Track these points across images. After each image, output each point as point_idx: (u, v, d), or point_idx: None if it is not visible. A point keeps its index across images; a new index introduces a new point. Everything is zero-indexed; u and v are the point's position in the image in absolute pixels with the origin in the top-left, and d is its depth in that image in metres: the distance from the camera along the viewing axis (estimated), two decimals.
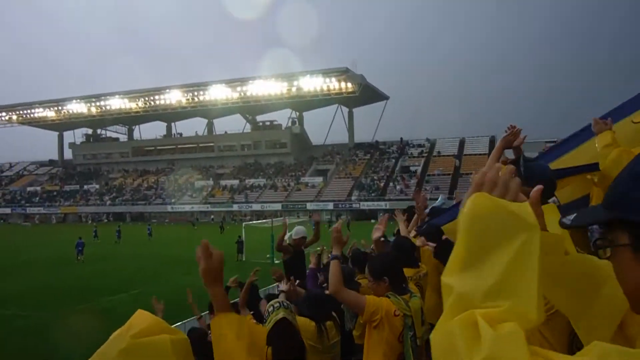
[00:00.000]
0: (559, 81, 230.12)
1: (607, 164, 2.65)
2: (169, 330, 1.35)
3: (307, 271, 5.19)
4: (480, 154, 62.93)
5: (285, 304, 3.73)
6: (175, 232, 48.42)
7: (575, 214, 0.95)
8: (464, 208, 0.91)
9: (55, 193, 78.71)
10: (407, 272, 4.53)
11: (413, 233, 5.61)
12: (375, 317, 3.35)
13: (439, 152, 67.81)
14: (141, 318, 1.35)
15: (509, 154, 3.46)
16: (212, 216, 64.81)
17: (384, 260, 3.79)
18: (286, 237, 7.56)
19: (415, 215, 6.34)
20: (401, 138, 73.55)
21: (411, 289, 3.89)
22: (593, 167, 2.98)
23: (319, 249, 7.83)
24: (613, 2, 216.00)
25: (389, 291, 3.55)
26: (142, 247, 34.05)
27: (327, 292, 4.60)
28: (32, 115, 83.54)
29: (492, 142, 64.98)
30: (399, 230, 6.30)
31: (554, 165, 3.61)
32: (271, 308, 3.47)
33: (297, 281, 5.37)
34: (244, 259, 26.07)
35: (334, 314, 4.41)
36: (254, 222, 41.15)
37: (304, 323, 3.89)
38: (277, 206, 62.52)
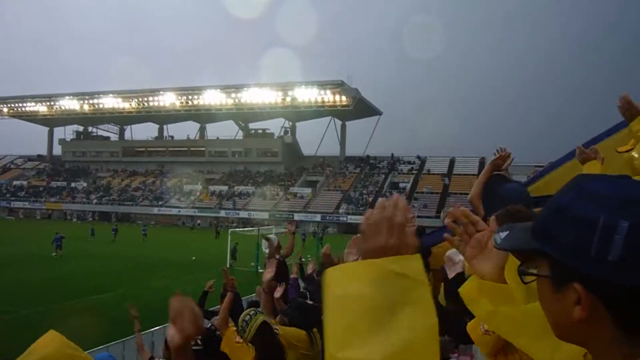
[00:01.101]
0: (552, 105, 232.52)
1: None
2: (76, 357, 1.20)
3: (290, 281, 5.20)
4: (469, 174, 63.28)
5: (259, 310, 3.80)
6: (170, 234, 48.15)
7: (507, 232, 0.93)
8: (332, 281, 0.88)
9: (41, 188, 77.98)
10: None
11: None
12: None
13: (428, 170, 68.09)
14: (47, 340, 1.18)
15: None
16: (198, 221, 64.48)
17: None
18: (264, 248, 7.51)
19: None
20: (392, 154, 73.81)
21: None
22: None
23: (299, 259, 7.87)
24: (610, 26, 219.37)
25: None
26: (137, 247, 33.74)
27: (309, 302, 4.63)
28: (23, 108, 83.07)
29: (481, 163, 65.35)
30: None
31: (536, 188, 3.62)
32: (248, 317, 3.55)
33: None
34: (233, 265, 25.97)
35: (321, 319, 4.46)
36: (241, 229, 40.95)
37: (296, 333, 3.98)
38: (265, 215, 62.33)
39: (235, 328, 3.64)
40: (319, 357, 4.12)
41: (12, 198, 76.02)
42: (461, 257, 2.28)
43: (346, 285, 0.86)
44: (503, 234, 0.93)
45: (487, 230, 1.25)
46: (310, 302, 4.80)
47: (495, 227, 1.24)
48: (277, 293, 5.21)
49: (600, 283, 0.73)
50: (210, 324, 4.75)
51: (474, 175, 62.35)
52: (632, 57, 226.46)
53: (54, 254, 27.97)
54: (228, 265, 25.52)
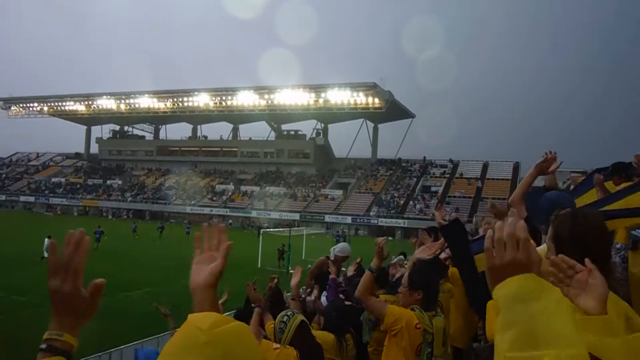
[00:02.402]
0: (586, 112, 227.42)
1: None
2: (233, 320, 1.23)
3: (329, 281, 5.16)
4: (503, 179, 62.37)
5: (295, 311, 3.80)
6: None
7: None
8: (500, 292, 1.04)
9: (78, 186, 79.84)
10: None
11: (443, 255, 5.55)
12: (395, 326, 3.48)
13: (461, 174, 67.32)
14: (201, 316, 1.20)
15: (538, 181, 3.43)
16: (230, 221, 65.08)
17: (425, 274, 3.86)
18: (331, 250, 6.97)
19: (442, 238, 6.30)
20: (424, 157, 73.23)
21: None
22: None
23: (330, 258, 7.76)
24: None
25: (418, 304, 3.64)
26: (181, 245, 33.83)
27: (347, 303, 4.61)
28: (62, 107, 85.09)
29: (515, 168, 64.33)
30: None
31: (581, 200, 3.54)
32: (285, 318, 3.56)
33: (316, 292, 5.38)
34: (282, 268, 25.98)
35: (351, 328, 4.43)
36: (272, 229, 41.24)
37: (324, 336, 3.97)
38: (296, 216, 62.59)
39: (267, 339, 3.64)
40: None
41: (51, 195, 78.00)
42: None
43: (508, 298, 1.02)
44: None
45: (586, 271, 1.35)
46: (348, 303, 4.78)
47: (592, 268, 1.34)
48: (312, 295, 5.20)
49: None
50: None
51: (507, 180, 61.45)
52: None
53: (97, 245, 29.86)
54: (279, 268, 25.65)
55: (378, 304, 3.65)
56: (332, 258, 6.66)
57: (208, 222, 1.43)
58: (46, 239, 24.48)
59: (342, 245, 7.00)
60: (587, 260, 1.30)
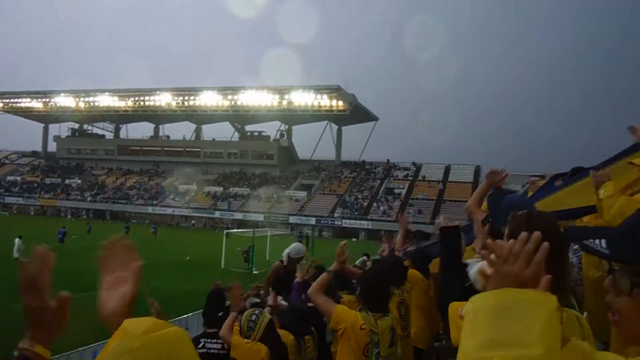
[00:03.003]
0: (546, 115, 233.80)
1: (613, 212, 2.69)
2: (171, 325, 1.22)
3: (294, 285, 5.19)
4: (464, 182, 63.57)
5: (262, 310, 3.91)
6: (179, 235, 47.93)
7: (603, 239, 0.93)
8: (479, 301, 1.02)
9: (35, 185, 77.64)
10: (392, 289, 4.75)
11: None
12: (339, 325, 3.53)
13: (424, 176, 68.29)
14: (136, 321, 1.19)
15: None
16: (192, 221, 64.46)
17: (368, 277, 3.94)
18: (284, 254, 6.93)
19: (399, 237, 6.51)
20: (388, 160, 74.04)
21: (390, 307, 4.06)
22: (590, 210, 3.05)
23: (304, 262, 7.82)
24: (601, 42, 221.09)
25: (365, 305, 3.70)
26: (147, 245, 33.19)
27: (310, 305, 4.69)
28: (18, 104, 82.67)
29: (477, 171, 65.62)
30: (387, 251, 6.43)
31: (543, 204, 3.74)
32: (254, 316, 3.68)
33: (281, 297, 5.42)
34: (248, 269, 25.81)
35: (312, 329, 4.50)
36: (235, 230, 40.98)
37: (283, 336, 4.01)
38: (260, 217, 62.38)
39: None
40: None
41: (6, 193, 75.57)
42: (474, 269, 2.37)
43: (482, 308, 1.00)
44: (601, 243, 0.92)
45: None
46: (309, 305, 4.80)
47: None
48: (270, 301, 5.20)
49: None
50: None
51: (469, 182, 62.68)
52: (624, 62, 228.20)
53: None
54: (245, 270, 25.48)
55: (325, 303, 3.68)
56: (284, 261, 6.65)
57: (110, 238, 1.34)
58: (16, 239, 24.10)
59: (294, 246, 6.83)
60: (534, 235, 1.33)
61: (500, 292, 1.00)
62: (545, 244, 1.06)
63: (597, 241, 0.85)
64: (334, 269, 3.95)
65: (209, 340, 4.01)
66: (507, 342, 0.90)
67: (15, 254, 23.52)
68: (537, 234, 1.05)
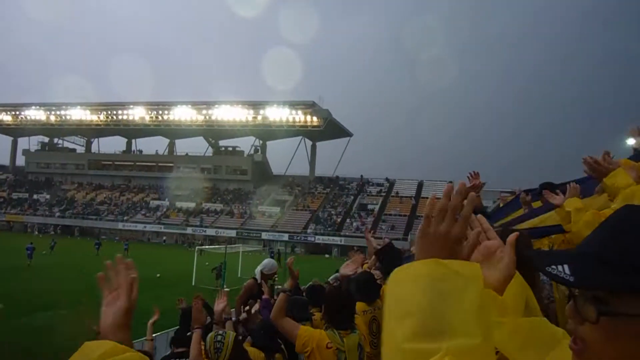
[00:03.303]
0: (517, 130, 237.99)
1: (579, 225, 2.68)
2: (130, 350, 1.24)
3: (262, 302, 5.17)
4: (437, 198, 63.95)
5: (225, 330, 3.85)
6: (151, 251, 47.11)
7: (566, 265, 0.89)
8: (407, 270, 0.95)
9: (2, 200, 75.86)
10: (364, 306, 4.73)
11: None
12: (306, 348, 3.49)
13: (397, 192, 68.67)
14: (95, 344, 1.20)
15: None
16: (164, 237, 63.60)
17: (331, 295, 3.92)
18: (256, 271, 6.88)
19: (374, 256, 6.48)
20: (361, 176, 74.28)
21: (358, 323, 4.02)
22: (557, 229, 3.06)
23: (270, 280, 7.74)
24: (576, 52, 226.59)
25: (329, 324, 3.68)
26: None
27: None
28: None
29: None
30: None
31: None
32: (220, 337, 3.60)
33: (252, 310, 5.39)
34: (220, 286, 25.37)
35: (283, 347, 4.44)
36: (208, 247, 40.56)
37: (254, 353, 3.98)
38: (232, 233, 61.90)
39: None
40: None
41: None
42: None
43: (410, 283, 0.92)
44: (564, 269, 0.88)
45: (497, 240, 1.28)
46: None
47: (511, 243, 1.26)
48: (253, 309, 5.23)
49: None
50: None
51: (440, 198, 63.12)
52: (598, 86, 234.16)
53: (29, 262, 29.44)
54: (216, 287, 25.07)
55: (289, 326, 3.64)
56: (257, 278, 6.64)
57: (113, 260, 1.41)
58: None
59: (266, 262, 6.90)
60: (512, 236, 1.26)
61: (428, 263, 0.94)
62: (472, 194, 1.01)
63: (560, 267, 0.84)
64: (288, 286, 3.94)
65: None
66: (442, 329, 0.86)
67: None
68: (462, 184, 1.02)
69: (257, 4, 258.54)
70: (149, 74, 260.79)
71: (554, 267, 0.91)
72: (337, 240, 58.99)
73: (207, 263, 28.33)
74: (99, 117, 76.54)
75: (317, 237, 60.62)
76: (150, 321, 4.48)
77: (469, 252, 1.02)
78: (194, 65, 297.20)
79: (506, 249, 1.25)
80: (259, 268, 6.70)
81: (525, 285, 1.26)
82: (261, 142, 78.28)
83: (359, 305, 4.79)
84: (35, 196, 76.69)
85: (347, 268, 5.06)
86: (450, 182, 66.35)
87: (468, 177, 3.69)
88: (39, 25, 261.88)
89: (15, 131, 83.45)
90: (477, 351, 0.84)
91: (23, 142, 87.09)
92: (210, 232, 63.93)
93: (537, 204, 4.44)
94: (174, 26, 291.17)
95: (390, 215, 63.35)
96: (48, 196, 76.75)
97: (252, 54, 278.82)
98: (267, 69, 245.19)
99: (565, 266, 0.88)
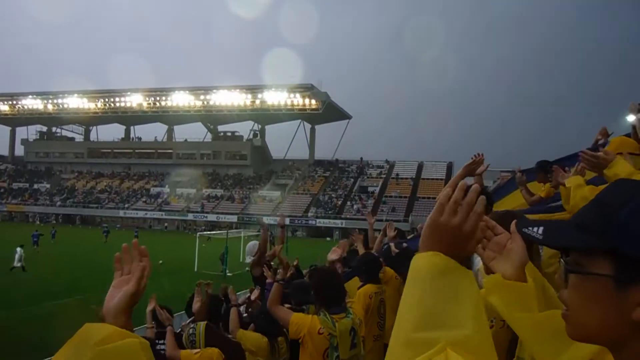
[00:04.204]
0: (517, 109, 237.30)
1: (576, 200, 2.65)
2: (130, 335, 1.22)
3: (266, 285, 5.17)
4: (437, 179, 64.03)
5: (195, 321, 3.92)
6: (154, 238, 47.23)
7: (541, 227, 0.91)
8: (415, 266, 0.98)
9: (2, 190, 75.92)
10: (371, 288, 4.75)
11: (334, 255, 5.72)
12: (299, 334, 3.53)
13: (397, 174, 68.63)
14: (96, 327, 1.19)
15: (469, 181, 3.57)
16: (165, 224, 63.76)
17: (318, 279, 3.93)
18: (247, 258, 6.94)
19: (380, 236, 6.48)
20: (361, 158, 74.20)
21: (356, 308, 4.05)
22: (559, 208, 3.03)
23: (273, 263, 7.72)
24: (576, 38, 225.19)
25: (321, 307, 3.70)
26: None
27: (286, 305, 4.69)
28: None
29: (449, 167, 66.21)
30: (355, 250, 6.37)
31: (502, 203, 3.72)
32: (191, 330, 3.76)
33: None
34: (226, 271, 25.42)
35: (285, 330, 4.46)
36: (209, 232, 40.57)
37: (257, 339, 4.03)
38: (233, 218, 61.98)
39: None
40: None
41: None
42: (478, 267, 2.30)
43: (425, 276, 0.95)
44: (538, 230, 0.91)
45: (506, 234, 1.29)
46: (288, 306, 4.82)
47: (514, 231, 1.27)
48: (253, 296, 5.27)
49: None
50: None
51: (441, 179, 63.17)
52: (596, 65, 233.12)
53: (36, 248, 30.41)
54: (220, 272, 25.16)
55: (283, 314, 3.70)
56: (247, 260, 6.73)
57: (129, 242, 1.40)
58: (18, 248, 23.54)
59: (248, 249, 6.96)
60: (512, 224, 1.26)
61: (435, 257, 0.96)
62: (482, 197, 1.01)
63: (535, 229, 0.85)
64: (282, 277, 4.10)
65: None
66: (444, 322, 0.90)
67: (17, 264, 23.25)
68: (475, 186, 1.00)
69: None
70: (147, 62, 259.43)
71: (530, 228, 0.95)
72: (338, 223, 59.05)
73: (204, 244, 28.48)
74: (96, 105, 76.24)
75: (318, 220, 60.68)
76: (149, 308, 4.48)
77: (473, 248, 1.03)
78: (192, 50, 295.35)
79: (513, 237, 1.27)
80: (247, 260, 6.80)
81: (539, 272, 1.28)
82: (260, 126, 78.03)
83: (369, 288, 4.81)
84: (35, 186, 76.73)
85: (334, 254, 5.17)
86: (450, 162, 66.42)
87: (472, 157, 3.65)
88: (37, 15, 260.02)
89: (13, 121, 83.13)
90: (473, 341, 0.87)
91: (21, 132, 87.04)
92: (212, 217, 64.00)
93: (533, 184, 4.42)
94: (169, 12, 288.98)
95: (390, 197, 63.34)
96: (48, 185, 76.76)
97: (251, 39, 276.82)
98: (265, 55, 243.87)
99: (541, 228, 0.91)
